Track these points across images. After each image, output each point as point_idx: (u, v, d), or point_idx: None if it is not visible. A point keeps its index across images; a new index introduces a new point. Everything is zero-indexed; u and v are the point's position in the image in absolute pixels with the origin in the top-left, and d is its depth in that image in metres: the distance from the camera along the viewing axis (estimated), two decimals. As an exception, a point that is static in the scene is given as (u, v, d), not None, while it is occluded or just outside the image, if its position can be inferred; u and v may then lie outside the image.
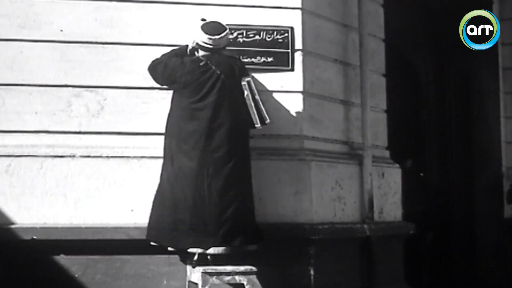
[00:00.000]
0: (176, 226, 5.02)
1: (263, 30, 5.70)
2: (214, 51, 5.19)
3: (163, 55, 5.33)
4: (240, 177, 5.10)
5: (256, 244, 5.11)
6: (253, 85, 5.21)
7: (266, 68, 5.68)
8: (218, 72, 5.13)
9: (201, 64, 5.16)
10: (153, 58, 5.33)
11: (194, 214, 4.99)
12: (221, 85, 5.11)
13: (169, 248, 5.13)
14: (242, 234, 5.02)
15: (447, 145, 9.39)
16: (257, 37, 5.69)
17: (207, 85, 5.11)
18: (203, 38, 5.17)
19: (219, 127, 5.07)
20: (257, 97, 5.20)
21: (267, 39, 5.70)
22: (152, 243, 5.13)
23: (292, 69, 5.72)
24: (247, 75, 5.23)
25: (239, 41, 5.63)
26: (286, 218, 5.55)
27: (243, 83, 5.18)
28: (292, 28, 5.73)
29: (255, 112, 5.18)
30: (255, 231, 5.15)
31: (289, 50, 5.72)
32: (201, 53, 5.22)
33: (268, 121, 5.23)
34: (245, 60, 5.58)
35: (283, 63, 5.71)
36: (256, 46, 5.68)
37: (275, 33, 5.72)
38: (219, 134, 5.06)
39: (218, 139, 5.05)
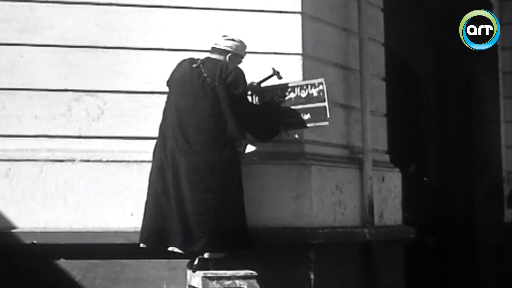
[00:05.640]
0: (149, 222, 5.06)
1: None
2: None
3: None
4: (212, 181, 4.99)
5: (220, 252, 5.03)
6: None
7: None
8: (205, 75, 5.10)
9: (194, 66, 5.15)
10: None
11: (162, 212, 5.02)
12: (202, 85, 5.08)
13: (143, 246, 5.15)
14: (204, 239, 4.94)
15: (447, 149, 9.39)
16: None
17: (190, 87, 5.09)
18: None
19: (190, 128, 5.01)
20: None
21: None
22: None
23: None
24: (225, 78, 5.08)
25: None
26: (287, 222, 5.54)
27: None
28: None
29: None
30: (222, 238, 4.99)
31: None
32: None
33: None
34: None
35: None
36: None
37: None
38: (190, 136, 5.01)
39: (189, 140, 5.00)
